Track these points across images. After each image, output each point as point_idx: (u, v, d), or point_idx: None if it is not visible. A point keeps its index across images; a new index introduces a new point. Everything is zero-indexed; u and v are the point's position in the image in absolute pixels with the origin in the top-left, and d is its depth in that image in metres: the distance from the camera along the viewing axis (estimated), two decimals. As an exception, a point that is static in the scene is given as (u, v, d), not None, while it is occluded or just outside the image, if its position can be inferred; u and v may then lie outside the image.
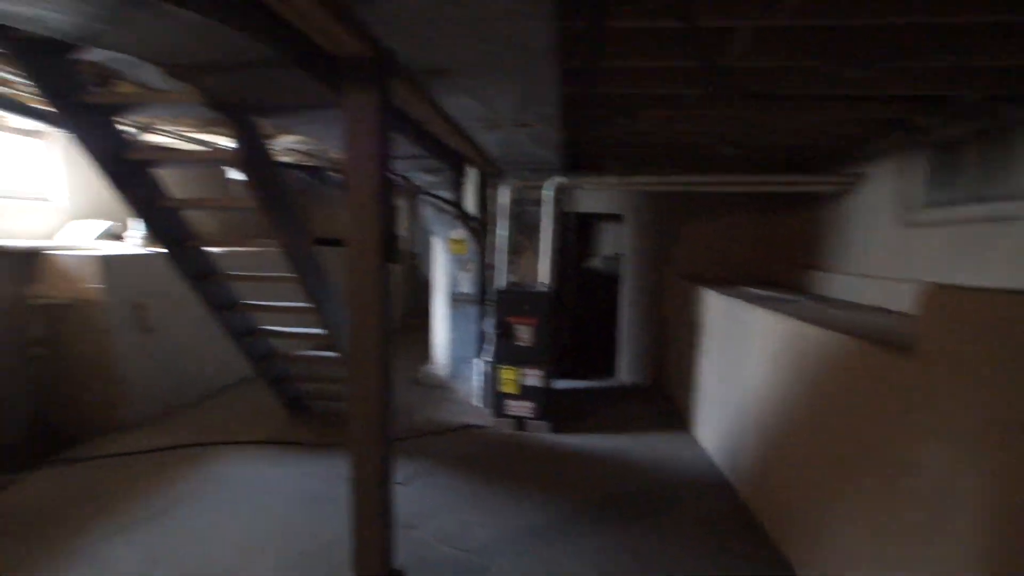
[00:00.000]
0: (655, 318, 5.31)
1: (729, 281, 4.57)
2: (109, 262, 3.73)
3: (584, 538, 2.75)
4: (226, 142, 4.09)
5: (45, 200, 4.41)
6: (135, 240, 4.20)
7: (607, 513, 3.00)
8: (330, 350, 3.65)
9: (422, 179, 4.22)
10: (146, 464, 3.38)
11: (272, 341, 3.86)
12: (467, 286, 4.55)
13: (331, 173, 5.32)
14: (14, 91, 2.91)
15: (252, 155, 2.53)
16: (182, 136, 3.89)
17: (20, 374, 3.69)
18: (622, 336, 5.43)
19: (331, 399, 4.38)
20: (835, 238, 4.08)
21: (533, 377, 4.15)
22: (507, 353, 4.13)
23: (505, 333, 4.10)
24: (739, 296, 3.56)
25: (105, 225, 4.45)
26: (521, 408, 4.20)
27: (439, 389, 4.93)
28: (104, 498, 2.96)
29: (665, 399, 5.02)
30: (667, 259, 5.21)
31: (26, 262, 3.69)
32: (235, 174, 5.00)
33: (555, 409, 4.28)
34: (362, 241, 1.96)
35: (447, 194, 4.34)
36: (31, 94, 2.91)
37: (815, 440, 2.37)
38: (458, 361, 4.81)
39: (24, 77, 2.29)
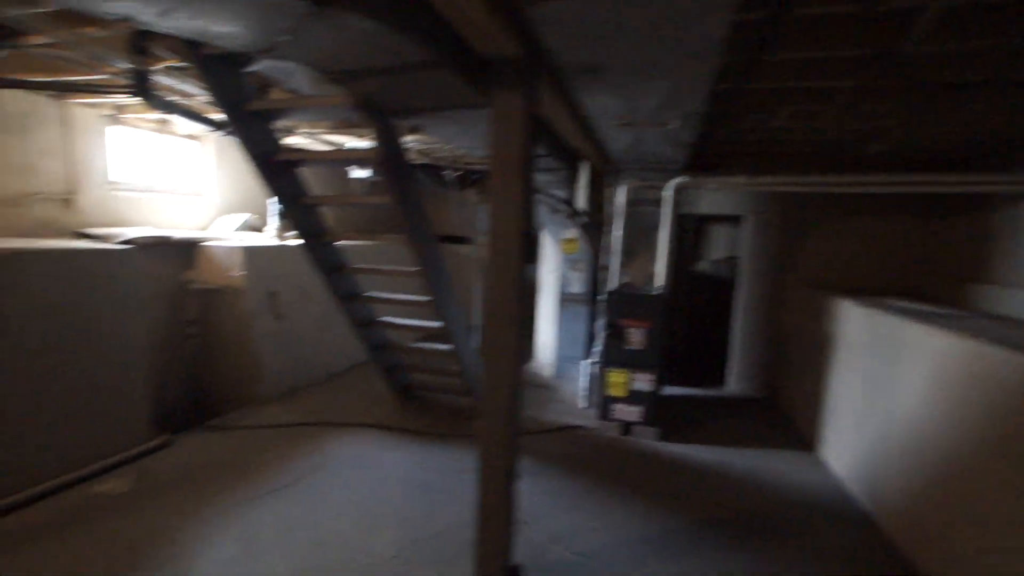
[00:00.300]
0: (772, 327, 4.95)
1: (865, 292, 4.13)
2: (250, 253, 4.11)
3: (704, 557, 2.61)
4: (354, 143, 4.35)
5: (200, 196, 4.94)
6: (271, 232, 4.59)
7: (726, 532, 2.83)
8: (443, 343, 3.76)
9: (537, 178, 4.22)
10: (276, 437, 3.69)
11: (388, 332, 4.05)
12: (577, 286, 4.51)
13: (443, 172, 5.48)
14: (188, 102, 3.28)
15: (390, 154, 2.64)
16: (317, 138, 4.17)
17: (179, 349, 4.17)
18: (734, 344, 5.12)
19: (439, 390, 4.53)
20: (1010, 247, 3.54)
21: (642, 381, 4.02)
22: (617, 355, 4.03)
23: (616, 335, 4.00)
24: (886, 309, 3.20)
25: (244, 217, 4.91)
26: (628, 412, 4.09)
27: (543, 389, 4.93)
28: (243, 465, 3.27)
29: (781, 414, 4.66)
30: (790, 265, 4.82)
31: (186, 251, 4.16)
32: (358, 173, 5.30)
33: (663, 416, 4.12)
34: (504, 241, 1.97)
35: (561, 193, 4.31)
36: (205, 102, 3.26)
37: (1000, 478, 2.06)
38: (564, 361, 4.78)
39: (204, 88, 2.54)
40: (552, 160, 3.90)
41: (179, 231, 4.35)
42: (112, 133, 4.17)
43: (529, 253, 2.08)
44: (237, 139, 2.73)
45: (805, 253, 4.72)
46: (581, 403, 4.51)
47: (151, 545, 2.49)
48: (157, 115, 4.26)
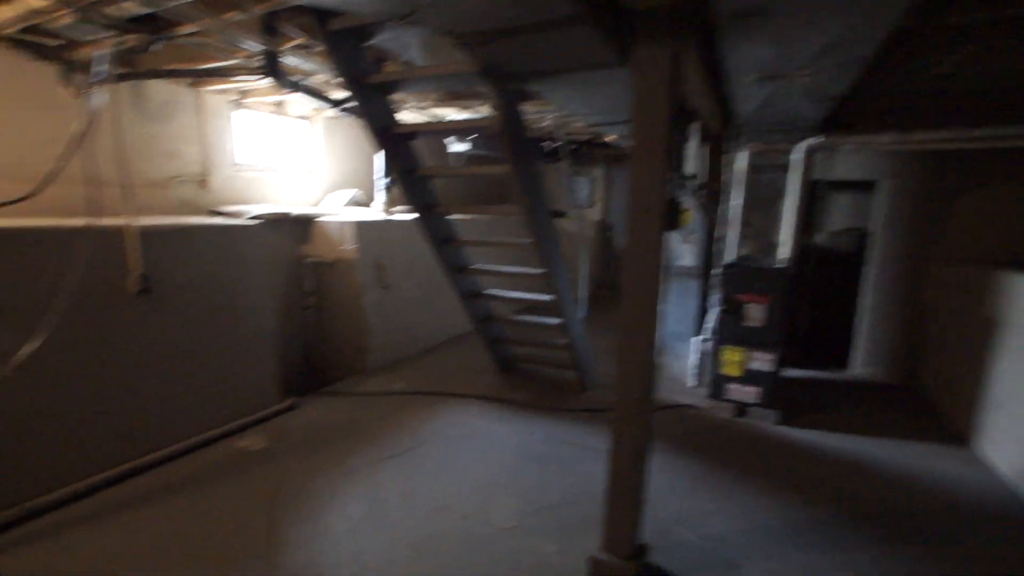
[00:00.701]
0: (911, 306, 4.42)
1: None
2: (361, 227, 4.25)
3: (850, 553, 2.39)
4: (458, 115, 4.34)
5: (310, 173, 5.19)
6: (377, 207, 4.74)
7: (869, 529, 2.58)
8: (553, 316, 3.71)
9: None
10: (388, 404, 3.85)
11: (493, 304, 4.07)
12: (688, 259, 4.26)
13: (541, 143, 5.36)
14: (309, 81, 3.39)
15: (509, 122, 2.57)
16: (422, 112, 4.20)
17: (298, 319, 4.45)
18: (860, 324, 4.65)
19: (542, 363, 4.51)
20: None
21: (761, 361, 3.75)
22: (733, 332, 3.78)
23: (732, 311, 3.75)
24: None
25: (351, 193, 5.10)
26: (743, 393, 3.85)
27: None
28: (363, 429, 3.44)
29: (920, 402, 4.19)
30: (936, 235, 4.25)
31: (302, 226, 4.39)
32: (456, 147, 5.32)
33: (782, 398, 3.83)
34: (646, 207, 1.85)
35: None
36: (324, 81, 3.35)
37: None
38: (671, 337, 4.58)
39: (329, 63, 2.59)
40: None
41: (295, 207, 4.60)
42: (237, 117, 4.44)
43: (672, 220, 1.94)
44: (358, 113, 2.79)
45: (956, 221, 4.13)
46: (690, 381, 4.31)
47: (290, 498, 2.68)
48: (275, 98, 4.48)
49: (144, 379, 2.87)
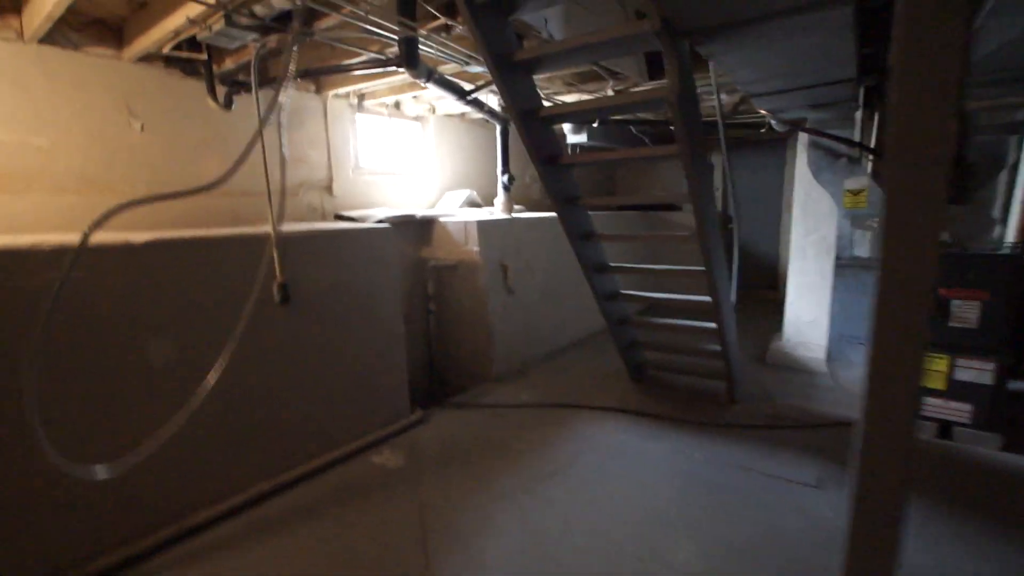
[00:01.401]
0: None
1: None
2: (484, 227, 4.03)
3: None
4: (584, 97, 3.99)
5: (424, 175, 5.09)
6: (498, 206, 4.51)
7: None
8: (709, 319, 3.24)
9: (806, 116, 3.42)
10: (520, 418, 3.56)
11: (629, 305, 3.67)
12: (862, 248, 3.61)
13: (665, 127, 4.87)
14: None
15: (685, 91, 2.16)
16: (549, 98, 3.91)
17: (420, 326, 4.32)
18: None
19: (678, 371, 4.05)
20: None
21: (973, 370, 3.05)
22: (934, 335, 3.10)
23: (934, 308, 3.07)
24: None
25: (466, 194, 4.92)
26: (948, 410, 3.15)
27: (805, 373, 4.15)
28: (502, 446, 3.16)
29: None
30: None
31: (423, 228, 4.26)
32: (573, 138, 4.99)
33: (1003, 417, 3.08)
34: (920, 159, 1.37)
35: (842, 132, 3.44)
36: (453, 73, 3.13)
37: None
38: (838, 340, 3.93)
39: (475, 40, 2.34)
40: (830, 88, 3.06)
41: (415, 209, 4.48)
42: (358, 121, 4.41)
43: (961, 191, 1.45)
44: (500, 93, 2.51)
45: None
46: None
47: (438, 523, 2.46)
48: (392, 98, 4.39)
49: (286, 392, 2.78)
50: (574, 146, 5.23)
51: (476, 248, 4.01)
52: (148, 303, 2.24)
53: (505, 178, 4.35)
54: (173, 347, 2.33)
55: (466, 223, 4.04)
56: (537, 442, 3.20)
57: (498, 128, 4.27)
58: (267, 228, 2.77)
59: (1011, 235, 2.90)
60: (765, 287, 7.29)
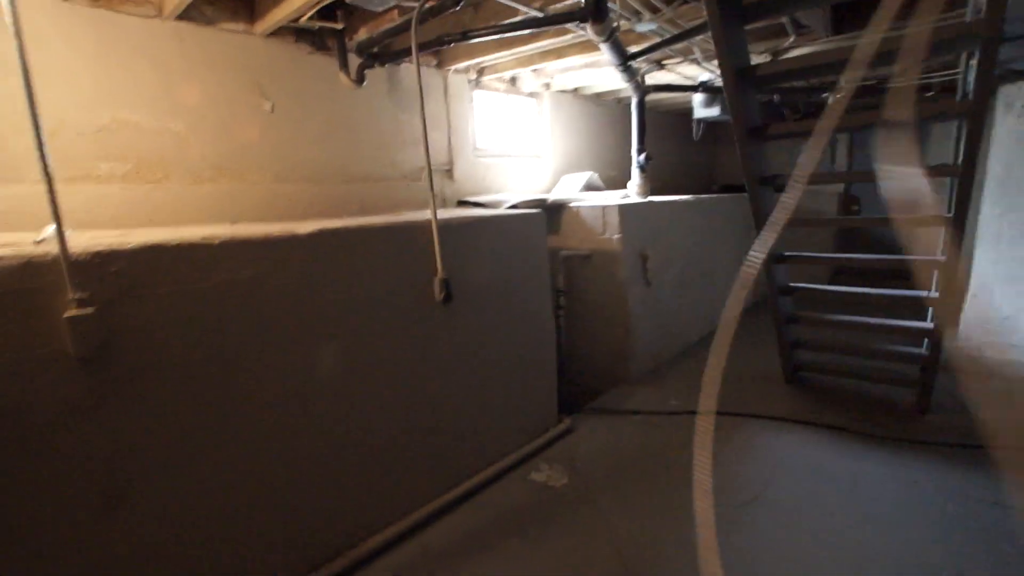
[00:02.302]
0: None
1: None
2: (624, 212, 3.59)
3: None
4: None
5: (539, 157, 4.69)
6: (633, 189, 4.05)
7: None
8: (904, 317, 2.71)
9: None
10: (675, 427, 3.14)
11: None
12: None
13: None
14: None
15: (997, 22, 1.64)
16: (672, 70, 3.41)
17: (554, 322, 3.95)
18: None
19: (843, 374, 3.51)
20: None
21: None
22: None
23: None
24: None
25: (586, 176, 4.49)
26: None
27: (994, 378, 3.52)
28: (668, 464, 2.76)
29: None
30: None
31: (553, 215, 3.86)
32: (704, 111, 4.45)
33: None
34: None
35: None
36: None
37: None
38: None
39: None
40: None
41: (539, 193, 4.10)
42: (476, 99, 4.05)
43: None
44: (718, 47, 2.06)
45: None
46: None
47: (639, 558, 2.09)
48: (511, 73, 4.01)
49: (446, 401, 2.48)
50: (700, 121, 4.69)
51: (616, 236, 3.58)
52: (313, 302, 1.96)
53: (642, 157, 3.88)
54: (338, 352, 2.05)
55: (604, 208, 3.62)
56: (718, 459, 2.77)
57: (634, 100, 3.81)
58: (425, 215, 2.46)
59: None
60: (892, 277, 6.51)
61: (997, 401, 3.34)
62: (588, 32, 2.27)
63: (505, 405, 2.77)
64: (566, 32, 2.95)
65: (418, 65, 2.19)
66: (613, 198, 3.95)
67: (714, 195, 5.30)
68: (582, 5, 2.17)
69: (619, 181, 4.99)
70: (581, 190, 4.42)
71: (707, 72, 3.92)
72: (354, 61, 3.03)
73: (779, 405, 3.37)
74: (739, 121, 2.23)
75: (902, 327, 2.91)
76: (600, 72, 4.01)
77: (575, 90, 4.82)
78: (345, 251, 2.06)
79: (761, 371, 3.88)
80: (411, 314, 2.27)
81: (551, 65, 3.85)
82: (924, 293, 2.61)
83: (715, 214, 4.82)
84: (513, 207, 3.46)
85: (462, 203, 3.75)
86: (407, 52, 2.93)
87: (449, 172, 3.84)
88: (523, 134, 4.58)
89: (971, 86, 2.46)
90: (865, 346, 3.28)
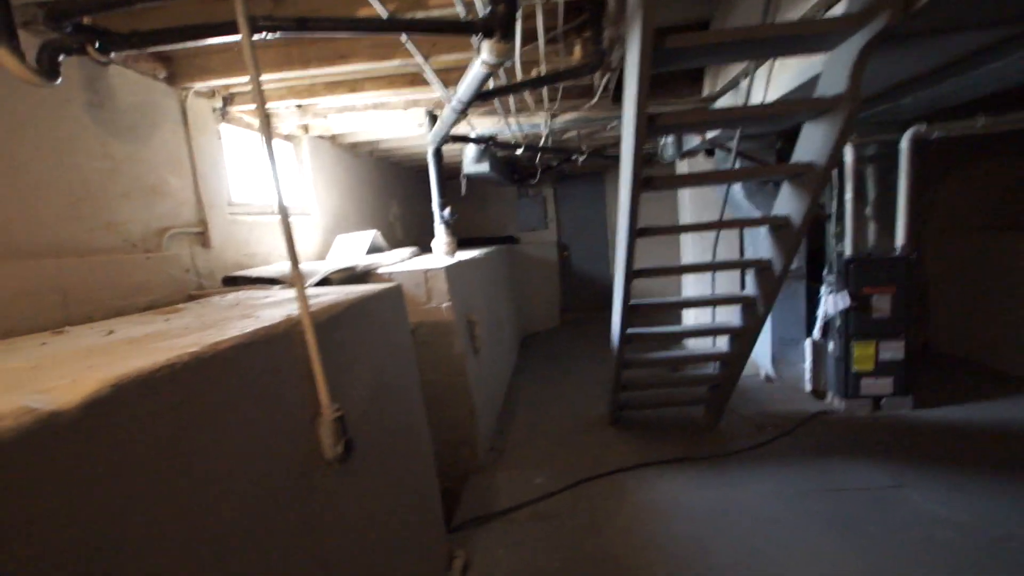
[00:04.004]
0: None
1: None
2: (453, 276, 3.09)
3: None
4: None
5: (307, 215, 3.71)
6: (439, 248, 3.54)
7: None
8: (737, 346, 3.14)
9: (742, 144, 3.71)
10: (568, 510, 2.78)
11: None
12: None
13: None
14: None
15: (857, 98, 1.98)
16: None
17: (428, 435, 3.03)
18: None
19: (660, 405, 3.86)
20: None
21: (892, 350, 3.75)
22: (861, 327, 3.71)
23: (860, 306, 3.69)
24: None
25: (370, 236, 3.77)
26: (879, 386, 3.80)
27: (747, 377, 4.45)
28: (603, 563, 2.39)
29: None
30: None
31: (358, 282, 3.02)
32: (473, 167, 4.36)
33: (913, 383, 3.85)
34: None
35: (768, 159, 3.87)
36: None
37: None
38: (778, 344, 4.34)
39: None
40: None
41: (344, 260, 3.18)
42: (225, 133, 2.90)
43: None
44: (640, 84, 1.88)
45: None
46: (807, 386, 4.13)
47: None
48: (270, 106, 3.04)
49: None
50: (470, 175, 4.61)
51: (446, 303, 3.03)
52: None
53: (447, 212, 3.46)
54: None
55: (427, 273, 3.02)
56: (638, 535, 2.51)
57: (430, 151, 3.38)
58: (287, 310, 1.47)
59: (899, 240, 3.72)
60: (603, 308, 7.85)
61: (750, 399, 4.20)
62: (484, 53, 1.78)
63: (394, 565, 1.86)
64: (390, 56, 2.34)
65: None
66: (428, 260, 3.39)
67: (494, 247, 5.29)
68: (484, 15, 1.68)
69: (388, 240, 4.44)
70: (367, 252, 3.67)
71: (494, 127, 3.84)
72: (31, 41, 1.67)
73: (633, 450, 3.39)
74: (635, 172, 2.12)
75: (706, 355, 3.34)
76: (381, 116, 3.44)
77: (333, 137, 4.05)
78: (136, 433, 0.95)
79: (586, 419, 3.92)
80: (279, 498, 1.23)
81: (328, 101, 3.08)
82: (736, 324, 3.05)
83: (498, 265, 4.78)
84: (324, 280, 2.53)
85: (229, 281, 2.54)
86: (128, 42, 1.77)
87: (202, 236, 2.56)
88: (284, 186, 3.54)
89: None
90: (669, 376, 3.66)
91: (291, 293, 2.13)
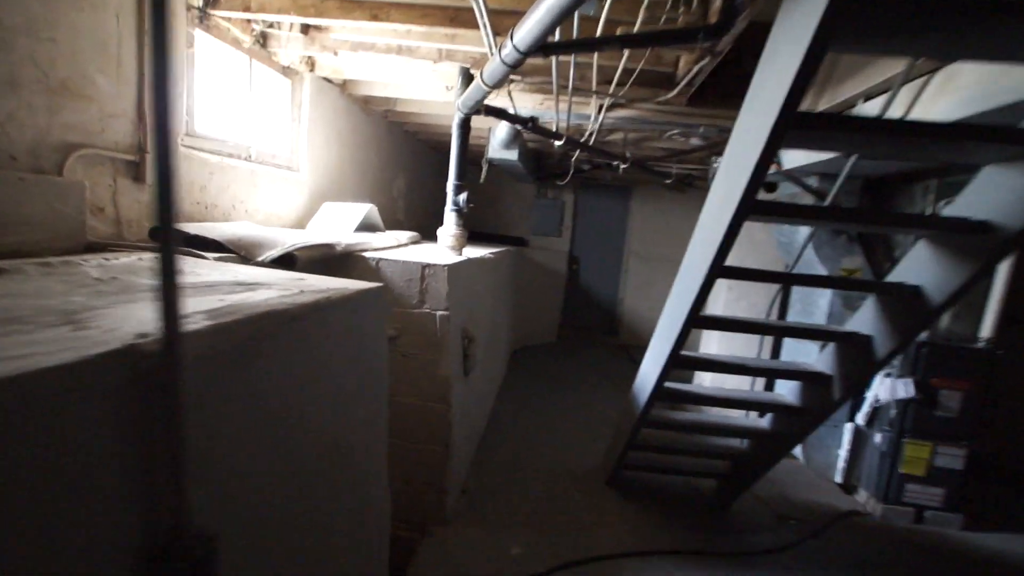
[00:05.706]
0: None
1: None
2: (454, 277, 2.45)
3: None
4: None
5: (293, 170, 3.05)
6: (446, 240, 2.87)
7: None
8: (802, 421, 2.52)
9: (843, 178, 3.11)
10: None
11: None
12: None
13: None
14: None
15: None
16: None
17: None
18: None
19: (669, 472, 3.24)
20: None
21: (949, 456, 3.17)
22: (921, 424, 3.12)
23: (924, 398, 3.09)
24: None
25: (364, 210, 3.10)
26: (927, 495, 3.20)
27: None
28: None
29: None
30: None
31: (338, 268, 2.36)
32: (502, 152, 3.72)
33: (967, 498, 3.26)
34: None
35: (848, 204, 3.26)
36: None
37: None
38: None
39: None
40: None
41: (320, 235, 2.53)
42: (200, 43, 2.24)
43: None
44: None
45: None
46: (838, 477, 3.52)
47: None
48: (263, 17, 2.38)
49: None
50: (494, 161, 3.97)
51: (442, 311, 2.38)
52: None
53: (462, 198, 2.80)
54: None
55: (425, 268, 2.37)
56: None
57: (456, 119, 2.73)
58: (202, 306, 0.81)
59: (986, 331, 3.13)
60: (605, 332, 7.22)
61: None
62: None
63: None
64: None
65: None
66: (429, 252, 2.75)
67: (504, 247, 4.65)
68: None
69: (386, 219, 3.79)
70: (356, 229, 3.01)
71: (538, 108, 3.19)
72: None
73: (629, 524, 2.78)
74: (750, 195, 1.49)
75: (747, 428, 2.73)
76: (405, 66, 2.80)
77: (343, 84, 3.39)
78: None
79: (576, 467, 3.32)
80: None
81: (342, 29, 2.44)
82: (793, 402, 2.44)
83: (505, 269, 4.15)
84: (286, 256, 1.88)
85: (156, 233, 1.88)
86: None
87: (135, 166, 1.90)
88: (271, 130, 2.88)
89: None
90: (692, 442, 3.04)
91: (237, 271, 1.48)
